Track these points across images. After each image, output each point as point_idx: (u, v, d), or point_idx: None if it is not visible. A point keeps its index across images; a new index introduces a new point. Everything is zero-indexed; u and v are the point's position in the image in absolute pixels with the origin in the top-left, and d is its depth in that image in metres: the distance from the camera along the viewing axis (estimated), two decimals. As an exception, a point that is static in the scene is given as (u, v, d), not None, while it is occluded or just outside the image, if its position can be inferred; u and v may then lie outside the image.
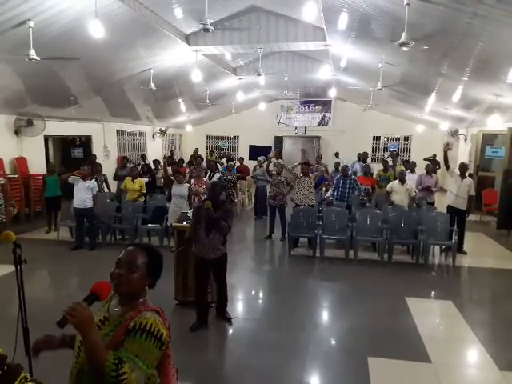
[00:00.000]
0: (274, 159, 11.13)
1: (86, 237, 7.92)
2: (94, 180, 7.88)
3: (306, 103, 18.97)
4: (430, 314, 5.36)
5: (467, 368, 4.11)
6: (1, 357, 1.31)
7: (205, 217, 4.50)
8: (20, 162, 10.02)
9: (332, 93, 13.74)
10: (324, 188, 10.39)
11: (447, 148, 7.66)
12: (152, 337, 1.58)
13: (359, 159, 12.82)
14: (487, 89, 8.12)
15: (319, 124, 19.03)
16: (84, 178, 7.58)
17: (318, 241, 7.47)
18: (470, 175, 8.93)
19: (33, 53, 5.82)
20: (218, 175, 9.47)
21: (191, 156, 15.11)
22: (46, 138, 11.37)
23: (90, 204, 7.60)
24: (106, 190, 9.84)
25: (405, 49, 5.17)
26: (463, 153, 13.50)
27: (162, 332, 1.62)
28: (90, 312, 1.49)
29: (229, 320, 4.91)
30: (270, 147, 18.57)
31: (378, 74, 8.85)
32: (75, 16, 5.96)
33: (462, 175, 7.67)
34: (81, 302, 1.49)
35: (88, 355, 1.48)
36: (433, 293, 6.06)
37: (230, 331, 4.79)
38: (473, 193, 7.71)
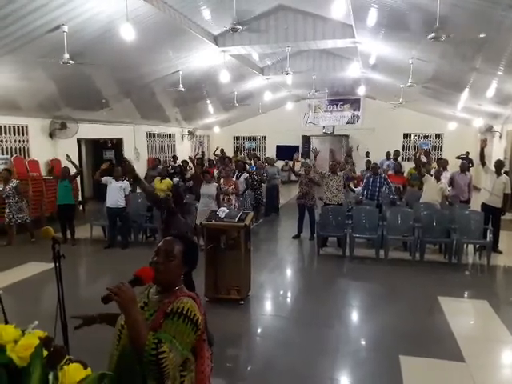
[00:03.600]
0: (300, 159, 11.07)
1: (118, 236, 8.12)
2: (126, 180, 8.06)
3: (334, 102, 18.78)
4: (463, 314, 5.23)
5: (503, 369, 4.00)
6: (48, 339, 1.39)
7: (165, 217, 4.18)
8: (54, 164, 10.35)
9: (361, 91, 13.57)
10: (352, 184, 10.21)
11: (484, 144, 7.45)
12: (188, 320, 1.66)
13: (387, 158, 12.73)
14: (523, 83, 7.88)
15: (348, 123, 18.82)
16: (116, 179, 7.80)
17: (347, 240, 7.41)
18: (506, 172, 8.65)
19: (67, 57, 6.02)
20: (245, 175, 9.46)
21: (217, 156, 15.16)
22: (79, 141, 11.70)
23: (122, 204, 7.80)
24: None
25: (443, 37, 5.05)
26: (498, 150, 13.09)
27: (197, 316, 1.70)
28: (133, 293, 1.58)
29: None
30: (298, 147, 18.50)
31: (409, 71, 8.69)
32: (107, 20, 6.13)
33: (498, 172, 7.47)
34: (125, 283, 1.58)
35: (130, 333, 1.56)
36: (467, 292, 5.91)
37: (259, 329, 4.81)
38: (509, 191, 7.48)
